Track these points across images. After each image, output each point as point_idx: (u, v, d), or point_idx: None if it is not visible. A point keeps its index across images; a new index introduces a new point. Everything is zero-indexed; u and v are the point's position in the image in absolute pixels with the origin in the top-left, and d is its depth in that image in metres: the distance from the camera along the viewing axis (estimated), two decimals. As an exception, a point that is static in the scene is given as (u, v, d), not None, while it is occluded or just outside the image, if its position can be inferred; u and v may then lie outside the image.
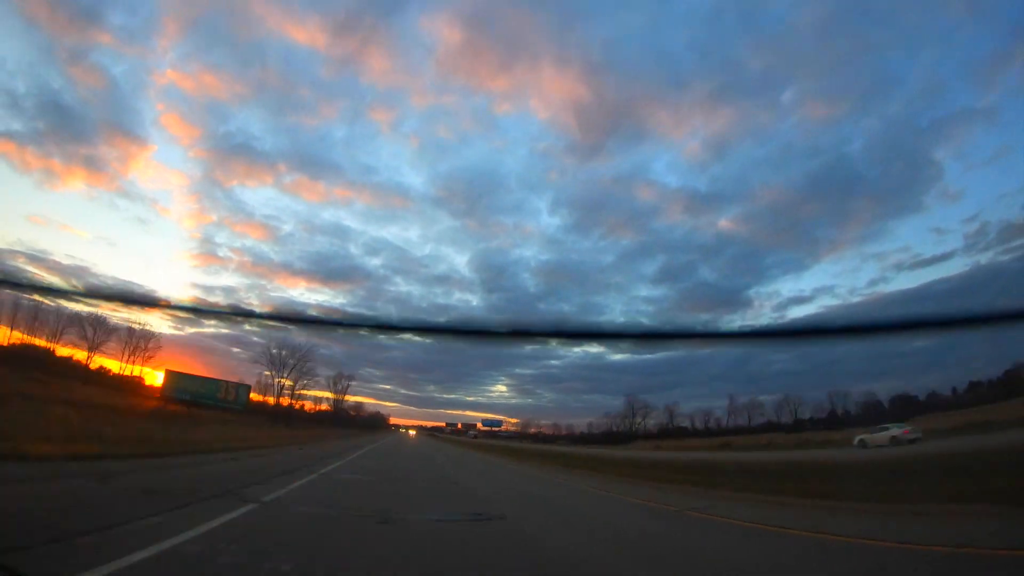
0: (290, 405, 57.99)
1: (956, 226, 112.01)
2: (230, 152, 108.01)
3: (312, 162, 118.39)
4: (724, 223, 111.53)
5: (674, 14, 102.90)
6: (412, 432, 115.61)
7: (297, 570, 3.95)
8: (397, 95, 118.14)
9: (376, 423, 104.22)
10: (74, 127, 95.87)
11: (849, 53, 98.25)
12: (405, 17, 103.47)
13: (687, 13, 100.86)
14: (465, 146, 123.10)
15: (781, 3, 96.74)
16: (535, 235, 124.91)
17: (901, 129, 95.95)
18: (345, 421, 75.74)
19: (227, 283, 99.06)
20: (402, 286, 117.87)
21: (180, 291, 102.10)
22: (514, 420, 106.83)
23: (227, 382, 40.62)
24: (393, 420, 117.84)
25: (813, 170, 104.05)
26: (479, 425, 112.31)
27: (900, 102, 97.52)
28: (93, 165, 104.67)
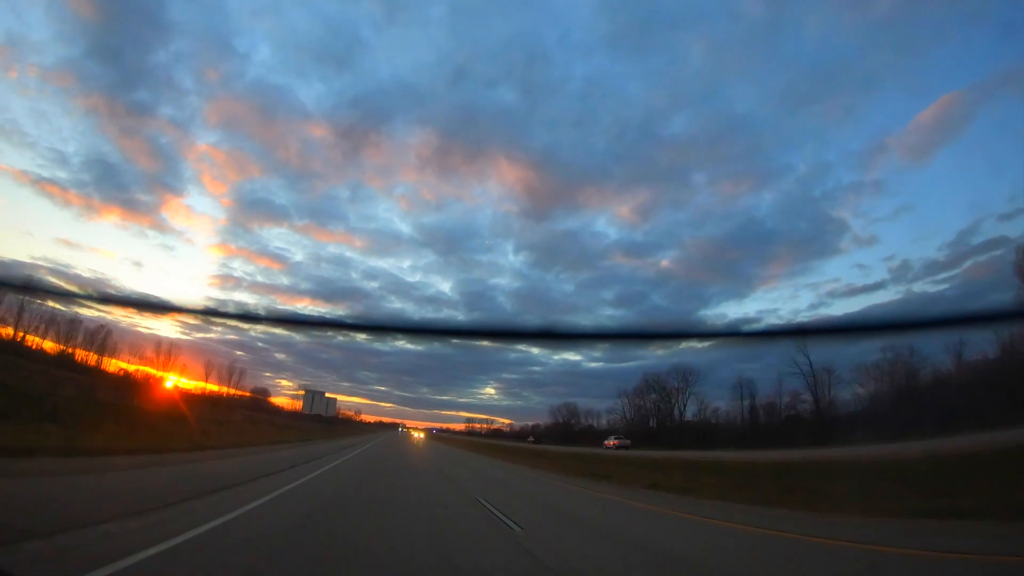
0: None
1: (878, 263, 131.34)
2: (251, 204, 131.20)
3: (320, 213, 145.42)
4: (664, 263, 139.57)
5: (598, 125, 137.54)
6: (419, 434, 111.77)
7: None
8: (389, 170, 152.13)
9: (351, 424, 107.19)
10: (116, 179, 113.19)
11: (743, 151, 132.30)
12: (394, 126, 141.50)
13: (609, 125, 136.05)
14: (445, 206, 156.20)
15: (679, 120, 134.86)
16: (506, 268, 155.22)
17: (798, 199, 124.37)
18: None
19: (240, 299, 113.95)
20: (396, 303, 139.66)
21: (194, 302, 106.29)
22: (507, 421, 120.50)
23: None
24: (376, 419, 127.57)
25: (731, 228, 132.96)
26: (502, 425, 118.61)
27: (792, 182, 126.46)
28: (129, 205, 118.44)
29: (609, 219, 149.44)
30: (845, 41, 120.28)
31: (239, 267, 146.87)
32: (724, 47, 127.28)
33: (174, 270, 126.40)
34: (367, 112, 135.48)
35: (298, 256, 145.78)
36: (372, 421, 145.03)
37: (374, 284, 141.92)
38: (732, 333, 2.00)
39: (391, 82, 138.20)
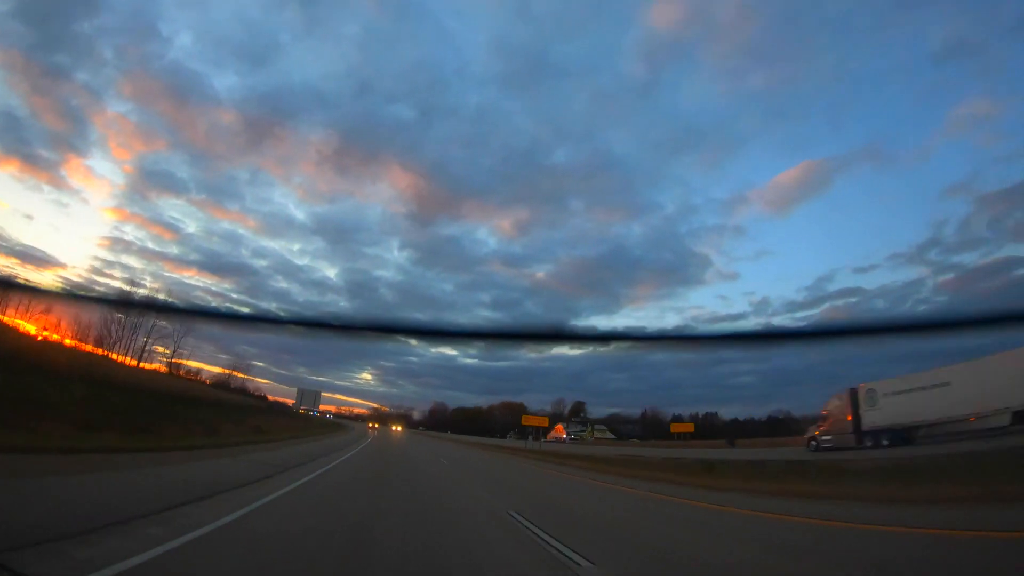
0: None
1: (739, 296, 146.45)
2: (152, 174, 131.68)
3: (218, 191, 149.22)
4: (539, 275, 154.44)
5: (486, 148, 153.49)
6: (397, 428, 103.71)
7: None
8: (289, 161, 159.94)
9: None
10: (20, 132, 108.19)
11: (618, 186, 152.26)
12: (298, 123, 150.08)
13: (496, 149, 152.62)
14: (338, 199, 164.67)
15: (561, 152, 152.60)
16: (390, 263, 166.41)
17: (666, 233, 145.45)
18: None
19: (127, 263, 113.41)
20: (283, 283, 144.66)
21: (80, 262, 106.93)
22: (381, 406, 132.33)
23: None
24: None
25: (603, 251, 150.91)
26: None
27: (661, 218, 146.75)
28: (29, 160, 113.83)
29: (490, 230, 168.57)
30: (718, 105, 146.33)
31: (131, 232, 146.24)
32: (607, 97, 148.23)
33: (64, 227, 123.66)
34: (275, 107, 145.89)
35: (191, 228, 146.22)
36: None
37: (263, 263, 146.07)
38: (691, 337, 1.90)
39: (301, 85, 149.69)
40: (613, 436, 75.06)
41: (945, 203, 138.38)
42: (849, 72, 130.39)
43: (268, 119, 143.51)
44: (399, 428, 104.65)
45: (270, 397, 62.45)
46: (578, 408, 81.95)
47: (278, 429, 32.32)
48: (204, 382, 51.72)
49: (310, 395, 59.18)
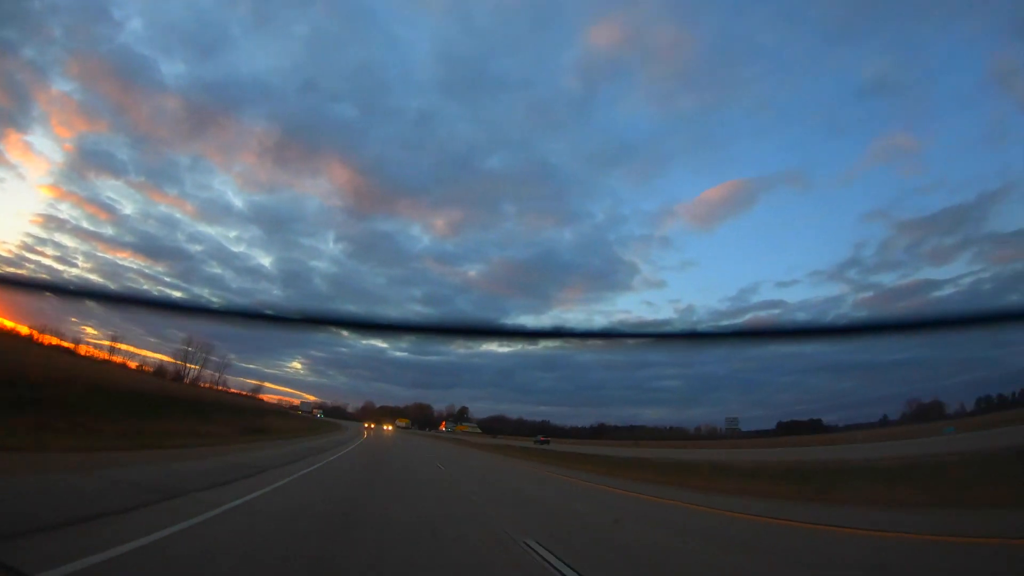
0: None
1: (665, 303, 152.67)
2: (93, 154, 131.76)
3: (158, 174, 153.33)
4: (471, 274, 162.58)
5: (424, 150, 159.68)
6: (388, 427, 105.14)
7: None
8: (231, 150, 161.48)
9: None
10: None
11: (550, 194, 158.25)
12: (242, 114, 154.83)
13: (434, 151, 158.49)
14: (277, 190, 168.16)
15: (496, 159, 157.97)
16: (325, 254, 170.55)
17: (595, 241, 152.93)
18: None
19: (60, 241, 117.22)
20: (217, 269, 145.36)
21: (11, 237, 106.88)
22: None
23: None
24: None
25: (534, 254, 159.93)
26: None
27: (591, 226, 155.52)
28: None
29: (424, 228, 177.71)
30: (649, 123, 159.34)
31: (66, 210, 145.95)
32: (544, 109, 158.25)
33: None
34: (220, 97, 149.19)
35: (128, 210, 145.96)
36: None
37: (198, 248, 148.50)
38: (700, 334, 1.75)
39: (248, 77, 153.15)
40: (479, 431, 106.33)
41: (865, 226, 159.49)
42: (777, 100, 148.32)
43: (213, 108, 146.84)
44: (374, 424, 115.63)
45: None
46: (463, 411, 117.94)
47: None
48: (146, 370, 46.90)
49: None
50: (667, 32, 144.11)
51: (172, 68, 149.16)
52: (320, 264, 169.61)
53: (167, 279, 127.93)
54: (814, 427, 75.41)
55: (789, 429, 78.11)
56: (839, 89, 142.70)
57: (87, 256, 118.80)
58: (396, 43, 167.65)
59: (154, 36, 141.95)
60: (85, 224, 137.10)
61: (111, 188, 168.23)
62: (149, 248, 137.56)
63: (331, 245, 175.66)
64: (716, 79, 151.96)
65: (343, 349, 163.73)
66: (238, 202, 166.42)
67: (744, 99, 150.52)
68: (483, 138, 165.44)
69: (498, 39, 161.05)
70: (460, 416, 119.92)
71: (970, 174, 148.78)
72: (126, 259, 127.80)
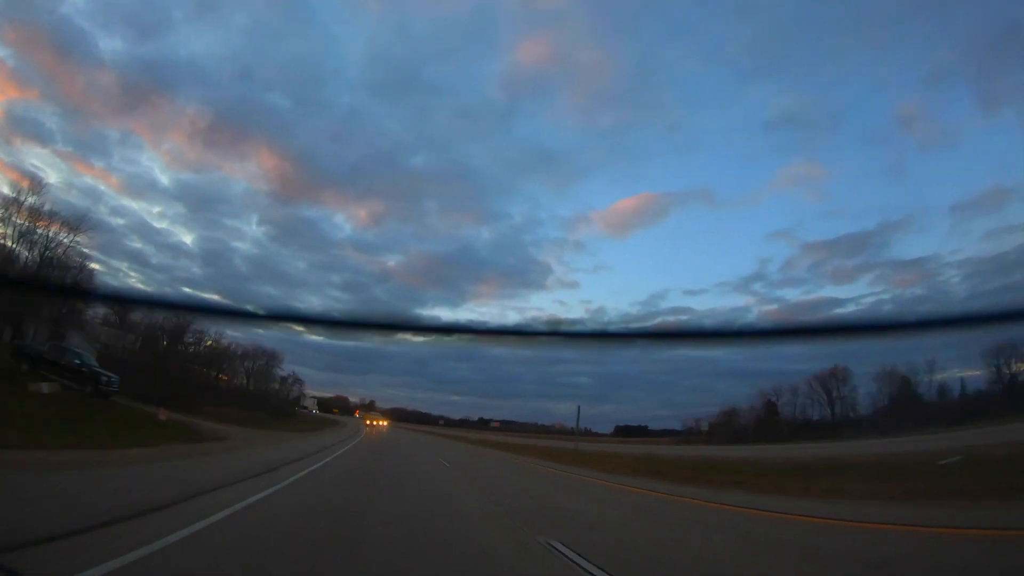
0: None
1: (577, 304, 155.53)
2: (20, 120, 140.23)
3: (85, 146, 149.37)
4: (390, 264, 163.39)
5: (352, 144, 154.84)
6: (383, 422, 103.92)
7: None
8: (162, 128, 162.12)
9: None
10: None
11: (470, 194, 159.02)
12: (176, 95, 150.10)
13: (361, 146, 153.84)
14: (205, 170, 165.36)
15: (420, 158, 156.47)
16: (247, 235, 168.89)
17: (512, 240, 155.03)
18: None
19: None
20: (137, 244, 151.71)
21: None
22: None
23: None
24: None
25: (452, 249, 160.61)
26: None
27: (508, 227, 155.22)
28: None
29: (347, 217, 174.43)
30: (569, 136, 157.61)
31: None
32: (469, 115, 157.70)
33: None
34: (156, 76, 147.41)
35: (50, 180, 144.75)
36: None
37: (120, 221, 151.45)
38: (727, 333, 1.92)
39: (184, 61, 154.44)
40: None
41: (771, 244, 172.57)
42: (691, 125, 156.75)
43: (147, 86, 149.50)
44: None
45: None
46: (372, 402, 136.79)
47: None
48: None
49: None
50: (591, 55, 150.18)
51: (110, 44, 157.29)
52: (242, 245, 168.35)
53: (86, 250, 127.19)
54: (642, 431, 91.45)
55: (626, 432, 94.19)
56: (749, 121, 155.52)
57: (3, 221, 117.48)
58: (333, 41, 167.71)
59: (95, 11, 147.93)
60: (5, 190, 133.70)
61: (35, 155, 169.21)
62: (70, 218, 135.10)
63: (254, 227, 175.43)
64: (634, 101, 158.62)
65: (258, 330, 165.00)
66: (164, 179, 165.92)
67: (660, 122, 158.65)
68: (409, 137, 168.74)
69: (430, 47, 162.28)
70: (370, 407, 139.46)
71: (873, 204, 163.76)
72: (43, 228, 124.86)
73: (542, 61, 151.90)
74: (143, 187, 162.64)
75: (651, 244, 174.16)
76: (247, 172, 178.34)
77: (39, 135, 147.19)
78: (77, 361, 21.80)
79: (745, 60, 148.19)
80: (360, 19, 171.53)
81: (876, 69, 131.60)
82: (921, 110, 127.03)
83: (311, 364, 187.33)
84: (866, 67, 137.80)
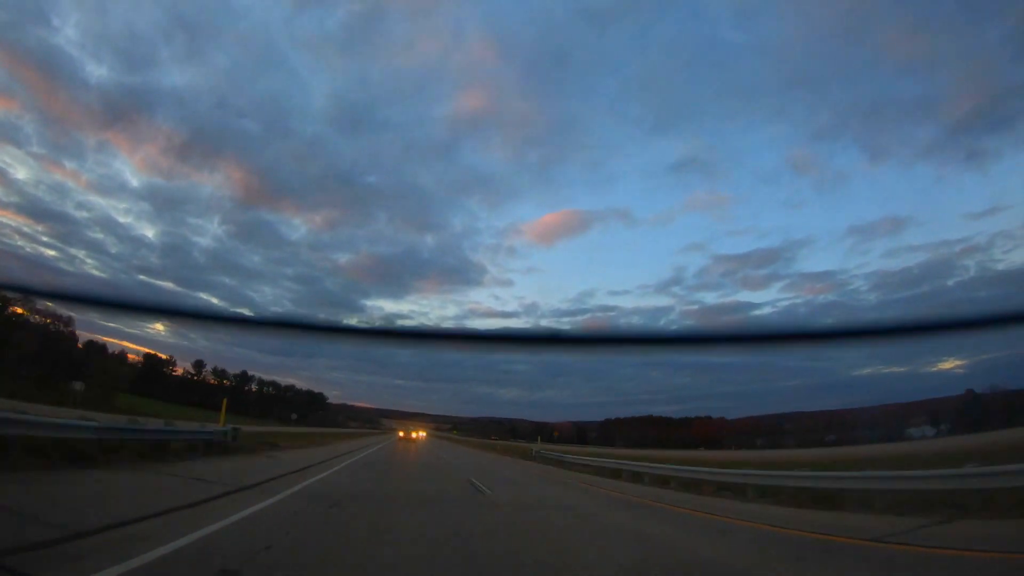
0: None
1: (511, 299, 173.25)
2: (1, 125, 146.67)
3: (60, 151, 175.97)
4: (341, 261, 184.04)
5: (313, 163, 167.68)
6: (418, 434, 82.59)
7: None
8: (138, 140, 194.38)
9: None
10: None
11: (416, 207, 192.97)
12: (154, 115, 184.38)
13: (321, 165, 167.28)
14: (175, 176, 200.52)
15: (374, 177, 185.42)
16: (209, 232, 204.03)
17: (452, 245, 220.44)
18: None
19: None
20: (99, 235, 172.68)
21: None
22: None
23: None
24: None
25: (398, 251, 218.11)
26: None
27: (449, 234, 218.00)
28: None
29: (303, 221, 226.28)
30: (502, 166, 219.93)
31: None
32: (416, 147, 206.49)
33: None
34: (137, 100, 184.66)
35: (20, 174, 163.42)
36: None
37: (85, 214, 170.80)
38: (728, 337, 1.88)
39: (167, 87, 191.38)
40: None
41: (685, 255, 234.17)
42: (607, 163, 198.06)
43: (127, 107, 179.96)
44: None
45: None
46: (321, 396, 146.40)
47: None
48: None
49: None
50: (520, 106, 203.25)
51: (97, 70, 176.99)
52: (202, 240, 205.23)
53: (44, 238, 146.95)
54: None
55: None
56: (656, 163, 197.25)
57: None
58: (301, 83, 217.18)
59: (86, 43, 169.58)
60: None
61: (9, 155, 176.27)
62: (33, 209, 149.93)
63: (215, 226, 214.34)
64: (558, 143, 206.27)
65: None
66: (135, 182, 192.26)
67: (581, 159, 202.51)
68: (363, 160, 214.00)
69: (385, 91, 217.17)
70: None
71: (776, 225, 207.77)
72: (5, 217, 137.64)
73: (479, 108, 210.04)
74: (112, 187, 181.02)
75: (576, 252, 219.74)
76: (215, 181, 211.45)
77: (16, 138, 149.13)
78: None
79: (650, 119, 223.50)
80: (326, 66, 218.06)
81: (767, 127, 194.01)
82: (812, 157, 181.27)
83: (259, 348, 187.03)
84: (758, 124, 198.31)
